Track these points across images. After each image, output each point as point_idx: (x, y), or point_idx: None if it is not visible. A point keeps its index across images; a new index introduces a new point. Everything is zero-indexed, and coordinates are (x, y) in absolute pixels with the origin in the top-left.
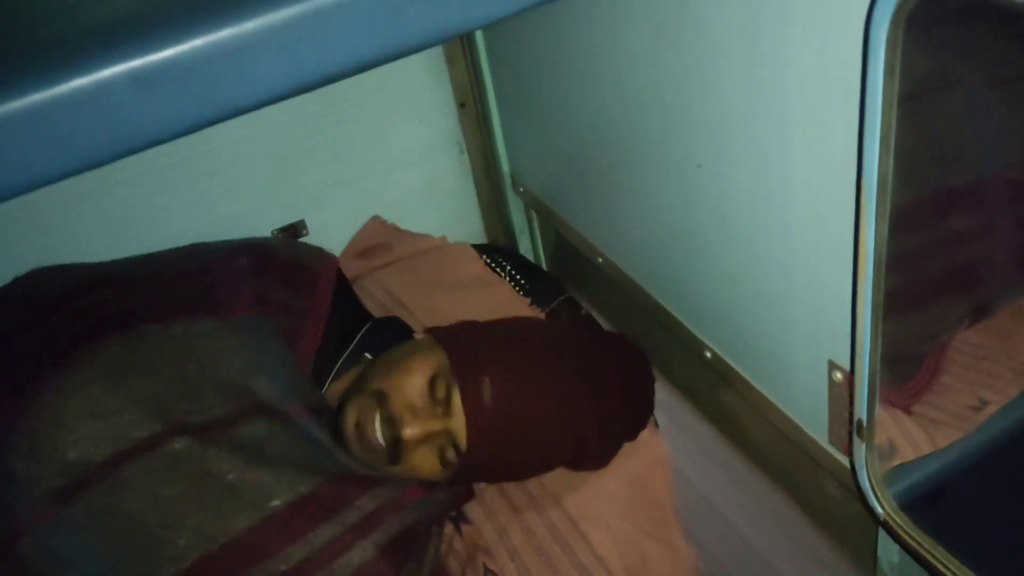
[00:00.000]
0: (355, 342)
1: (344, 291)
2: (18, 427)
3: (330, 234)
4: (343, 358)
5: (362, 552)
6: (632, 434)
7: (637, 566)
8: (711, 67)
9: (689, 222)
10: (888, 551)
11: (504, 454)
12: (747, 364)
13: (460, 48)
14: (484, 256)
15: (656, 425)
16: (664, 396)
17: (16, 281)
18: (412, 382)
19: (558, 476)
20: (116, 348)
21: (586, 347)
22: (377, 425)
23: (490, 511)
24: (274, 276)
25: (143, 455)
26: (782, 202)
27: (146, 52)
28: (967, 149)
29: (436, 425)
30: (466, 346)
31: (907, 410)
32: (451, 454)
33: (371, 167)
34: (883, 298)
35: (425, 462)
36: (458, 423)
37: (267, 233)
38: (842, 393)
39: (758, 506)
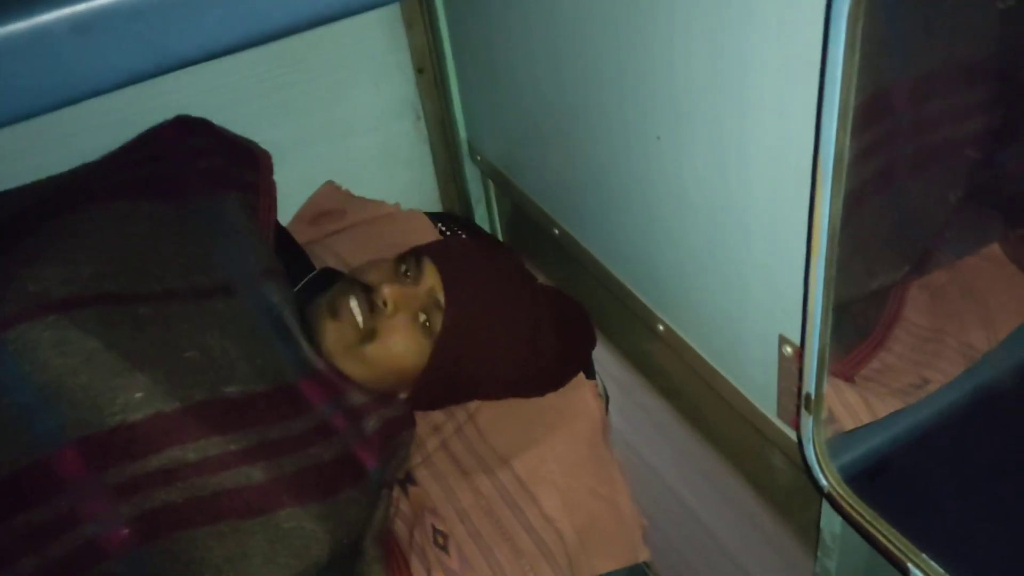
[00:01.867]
0: (303, 284)
1: (291, 244)
2: None
3: (283, 198)
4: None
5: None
6: (574, 362)
7: (585, 525)
8: (673, 37)
9: (646, 194)
10: (831, 523)
11: (478, 327)
12: (699, 338)
13: (419, 11)
14: (439, 224)
15: (606, 397)
16: (616, 369)
17: None
18: (384, 264)
19: (506, 438)
20: (86, 221)
21: (534, 279)
22: (354, 301)
23: (438, 473)
24: (225, 155)
25: (109, 307)
26: (739, 177)
27: None
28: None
29: (414, 287)
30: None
31: (850, 379)
32: (435, 318)
33: (326, 131)
34: (835, 273)
35: (404, 334)
36: (435, 283)
37: None
38: (791, 367)
39: (705, 478)
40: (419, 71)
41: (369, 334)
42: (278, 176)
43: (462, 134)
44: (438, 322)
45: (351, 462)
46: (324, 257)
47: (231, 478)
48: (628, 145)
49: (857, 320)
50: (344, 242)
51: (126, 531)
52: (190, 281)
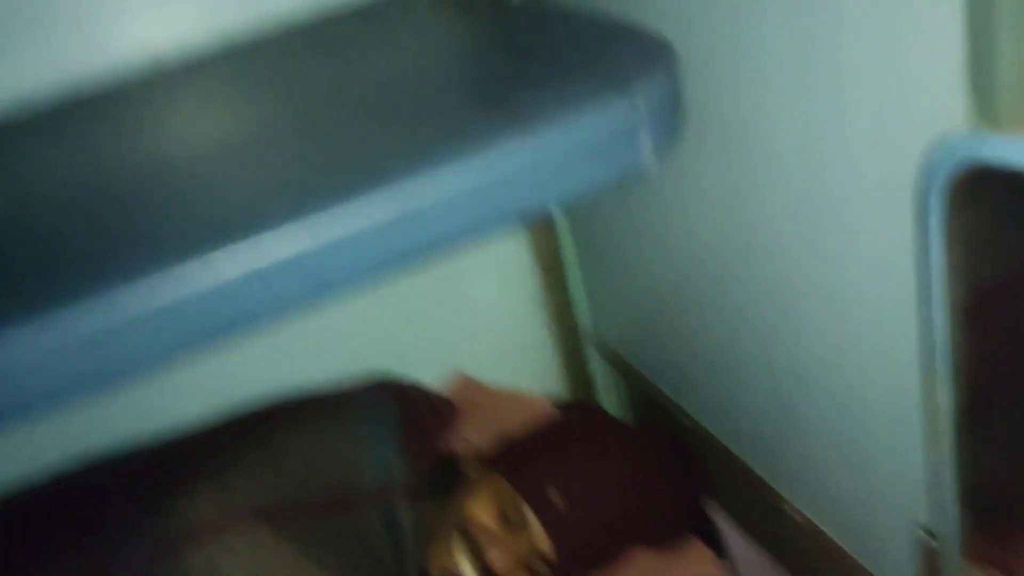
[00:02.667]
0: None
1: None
2: None
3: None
4: None
5: None
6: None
7: None
8: (779, 229)
9: (768, 380)
10: None
11: (589, 548)
12: (831, 523)
13: None
14: (563, 411)
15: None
16: (747, 554)
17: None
18: (484, 515)
19: None
20: None
21: (631, 435)
22: (464, 565)
23: None
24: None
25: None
26: (858, 363)
27: (254, 244)
28: None
29: (520, 547)
30: (521, 464)
31: (1009, 572)
32: (542, 568)
33: (453, 324)
34: (967, 456)
35: None
36: (539, 537)
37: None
38: (933, 557)
39: None
40: (541, 264)
41: None
42: (410, 369)
43: (586, 324)
44: (547, 570)
45: None
46: (455, 445)
47: None
48: (745, 333)
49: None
50: (475, 431)
51: None
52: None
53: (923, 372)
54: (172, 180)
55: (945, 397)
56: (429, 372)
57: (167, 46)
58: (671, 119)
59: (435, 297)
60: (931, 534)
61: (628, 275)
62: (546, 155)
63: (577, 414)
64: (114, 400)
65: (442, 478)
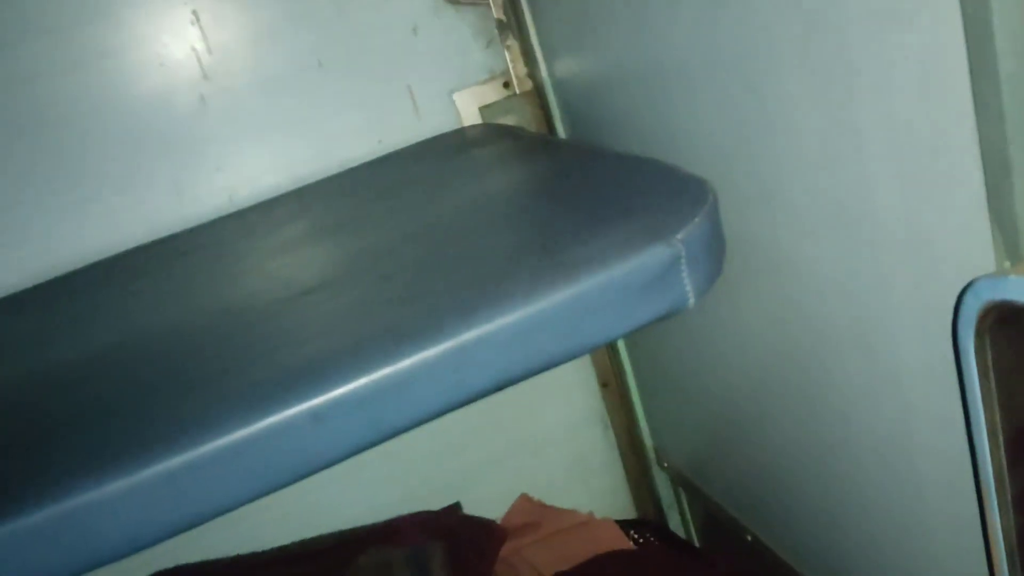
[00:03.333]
0: None
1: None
2: None
3: (483, 513)
4: None
5: None
6: None
7: None
8: (827, 353)
9: (828, 499)
10: None
11: None
12: None
13: None
14: (631, 532)
15: None
16: None
17: None
18: None
19: None
20: None
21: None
22: None
23: None
24: (460, 521)
25: None
26: (915, 487)
27: (323, 391)
28: None
29: None
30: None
31: None
32: None
33: (520, 446)
34: None
35: None
36: None
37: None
38: None
39: None
40: (604, 385)
41: None
42: (479, 493)
43: (648, 442)
44: None
45: None
46: (520, 568)
47: None
48: (802, 451)
49: None
50: (539, 553)
51: None
52: None
53: (977, 498)
54: (246, 323)
55: (996, 525)
56: (495, 497)
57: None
58: (712, 258)
59: (500, 421)
60: None
61: (684, 393)
62: (591, 301)
63: (652, 550)
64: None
65: None
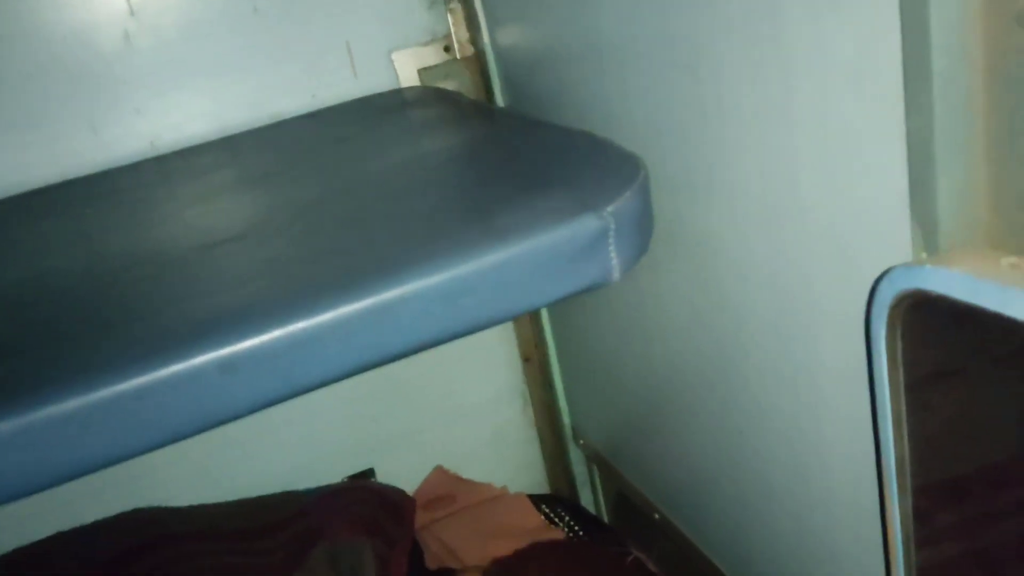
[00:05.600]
0: None
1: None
2: None
3: (397, 482)
4: None
5: None
6: None
7: None
8: (744, 340)
9: (736, 485)
10: None
11: None
12: None
13: None
14: (543, 507)
15: None
16: None
17: (120, 517)
18: None
19: None
20: None
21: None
22: None
23: None
24: (373, 504)
25: None
26: (820, 472)
27: (233, 342)
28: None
29: None
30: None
31: None
32: None
33: (438, 417)
34: (909, 570)
35: None
36: None
37: (339, 475)
38: None
39: None
40: (525, 360)
41: None
42: (394, 462)
43: (566, 419)
44: None
45: None
46: (428, 542)
47: None
48: (714, 437)
49: None
50: (449, 527)
51: None
52: None
53: (878, 483)
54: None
55: (895, 509)
56: (410, 465)
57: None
58: (639, 234)
59: (419, 390)
60: None
61: (604, 372)
62: (518, 267)
63: (581, 546)
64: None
65: None
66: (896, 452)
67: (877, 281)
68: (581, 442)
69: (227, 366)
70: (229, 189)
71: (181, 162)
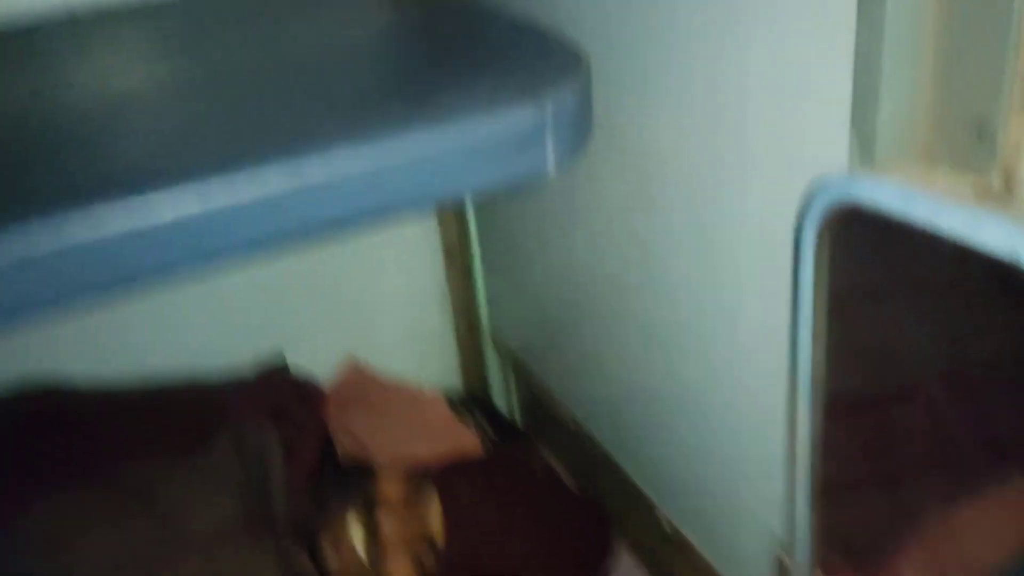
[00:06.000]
0: (323, 484)
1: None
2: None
3: (308, 370)
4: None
5: None
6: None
7: None
8: (671, 247)
9: (648, 389)
10: None
11: (476, 566)
12: (700, 535)
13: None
14: (457, 406)
15: None
16: (622, 561)
17: (17, 389)
18: (393, 483)
19: None
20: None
21: (553, 494)
22: (356, 529)
23: None
24: (281, 392)
25: (141, 572)
26: (733, 383)
27: (142, 203)
28: (895, 350)
29: (414, 523)
30: (442, 466)
31: None
32: (428, 559)
33: (353, 308)
34: (819, 484)
35: (403, 571)
36: (435, 524)
37: (247, 359)
38: (785, 572)
39: None
40: (447, 256)
41: (370, 573)
42: (305, 351)
43: (485, 320)
44: (433, 563)
45: None
46: (341, 438)
47: None
48: (632, 344)
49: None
50: (361, 421)
51: None
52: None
53: (789, 394)
54: (72, 125)
55: (805, 420)
56: (323, 355)
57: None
58: (578, 128)
59: (336, 278)
60: (786, 550)
61: (527, 274)
62: (449, 149)
63: (511, 452)
64: None
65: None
66: (810, 365)
67: (811, 189)
68: (499, 343)
69: (135, 230)
70: (148, 56)
71: (96, 26)
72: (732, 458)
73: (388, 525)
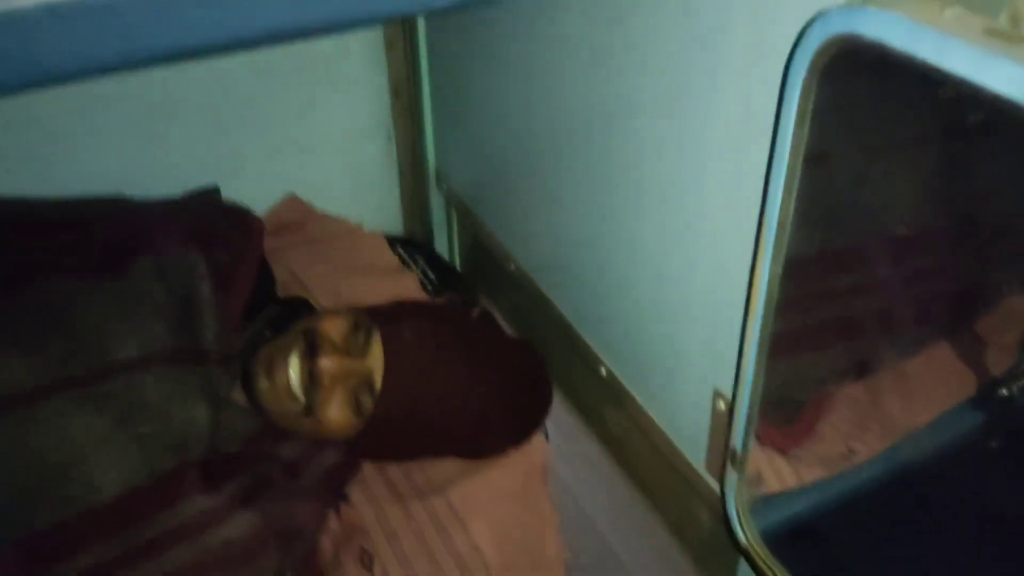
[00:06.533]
0: (260, 317)
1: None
2: None
3: (245, 206)
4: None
5: (235, 527)
6: (524, 434)
7: (511, 557)
8: (639, 92)
9: (599, 240)
10: None
11: (414, 409)
12: (638, 385)
13: (400, 34)
14: (397, 248)
15: (546, 436)
16: (557, 409)
17: None
18: (336, 322)
19: (443, 468)
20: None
21: (492, 338)
22: (294, 360)
23: (371, 495)
24: (213, 215)
25: (60, 394)
26: (690, 233)
27: None
28: (862, 209)
29: (354, 363)
30: (384, 308)
31: (784, 452)
32: (366, 400)
33: (295, 143)
34: (770, 336)
35: (339, 410)
36: (375, 364)
37: (179, 192)
38: (723, 423)
39: (632, 524)
40: (395, 94)
41: (305, 409)
42: (242, 185)
43: (431, 160)
44: (370, 403)
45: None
46: (278, 271)
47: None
48: (585, 191)
49: (796, 396)
50: (299, 257)
51: None
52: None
53: (753, 249)
54: None
55: (764, 275)
56: (262, 193)
57: None
58: None
59: (277, 112)
60: (727, 402)
61: (479, 115)
62: None
63: (451, 297)
64: None
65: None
66: (780, 213)
67: (809, 23)
68: (444, 186)
69: (57, 12)
70: None
71: None
72: (681, 312)
73: (328, 363)
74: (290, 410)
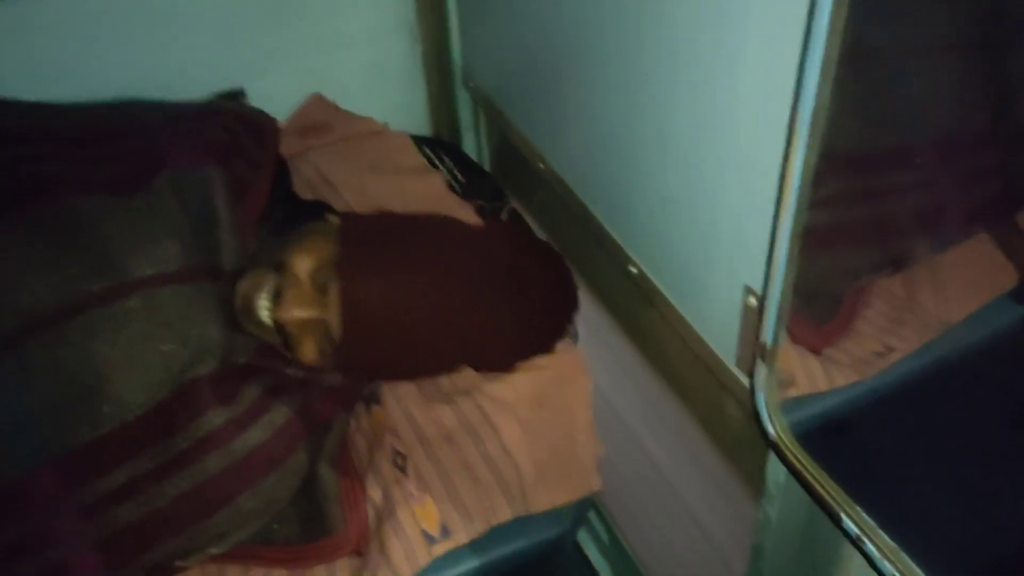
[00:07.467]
0: (274, 222)
1: (280, 167)
2: None
3: (269, 106)
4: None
5: (259, 431)
6: (544, 344)
7: (543, 459)
8: None
9: (630, 135)
10: (776, 472)
11: (381, 352)
12: (668, 282)
13: None
14: (424, 148)
15: (575, 340)
16: (587, 308)
17: None
18: (301, 265)
19: (471, 372)
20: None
21: (504, 251)
22: (263, 303)
23: (401, 396)
24: (229, 127)
25: (83, 312)
26: (721, 124)
27: None
28: (901, 108)
29: (311, 312)
30: (363, 239)
31: (817, 352)
32: (326, 345)
33: (319, 41)
34: (802, 229)
35: (306, 349)
36: (333, 314)
37: (204, 96)
38: (753, 318)
39: (663, 420)
40: None
41: (283, 345)
42: (267, 84)
43: (457, 59)
44: (328, 345)
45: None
46: (303, 169)
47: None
48: (616, 84)
49: (829, 291)
50: (326, 156)
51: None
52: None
53: (786, 143)
54: None
55: (798, 171)
56: (285, 94)
57: None
58: None
59: (300, 11)
60: (758, 299)
61: (504, 9)
62: None
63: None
64: None
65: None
66: (816, 100)
67: None
68: (470, 84)
69: None
70: None
71: None
72: (712, 208)
73: (286, 315)
74: (272, 339)
